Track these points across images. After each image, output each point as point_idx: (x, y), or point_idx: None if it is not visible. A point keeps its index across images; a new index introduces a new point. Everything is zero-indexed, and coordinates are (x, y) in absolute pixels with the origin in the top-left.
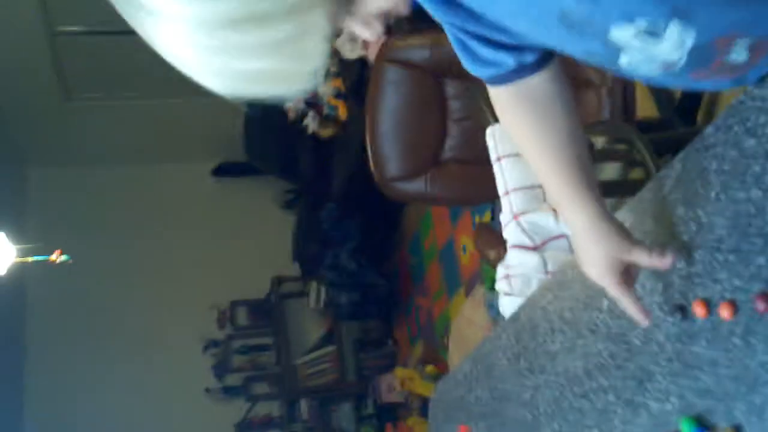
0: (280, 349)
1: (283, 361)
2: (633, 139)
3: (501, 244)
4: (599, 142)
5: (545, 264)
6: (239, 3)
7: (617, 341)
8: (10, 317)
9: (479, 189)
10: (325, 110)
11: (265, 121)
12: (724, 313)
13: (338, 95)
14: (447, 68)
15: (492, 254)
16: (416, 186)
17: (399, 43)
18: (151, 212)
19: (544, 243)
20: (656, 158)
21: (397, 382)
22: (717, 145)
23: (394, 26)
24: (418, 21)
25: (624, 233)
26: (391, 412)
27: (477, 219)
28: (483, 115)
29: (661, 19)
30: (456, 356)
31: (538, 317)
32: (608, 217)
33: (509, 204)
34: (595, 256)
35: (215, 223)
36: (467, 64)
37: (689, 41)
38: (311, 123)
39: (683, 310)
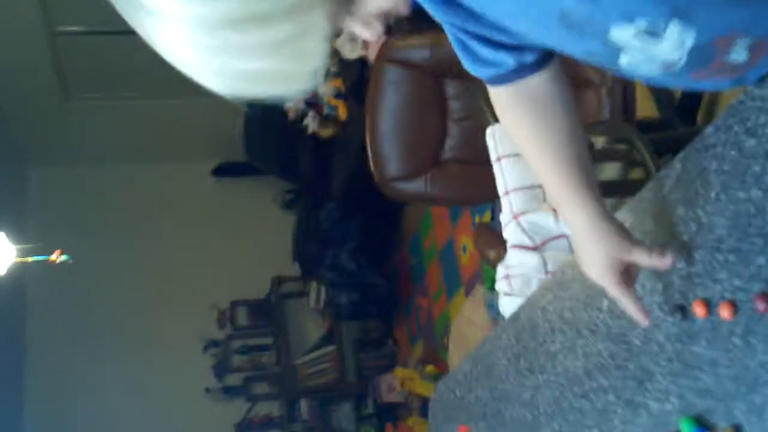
0: (280, 349)
1: (283, 361)
2: (633, 139)
3: (501, 244)
4: (599, 142)
5: (545, 264)
6: (239, 3)
7: (617, 341)
8: (10, 317)
9: (479, 189)
10: (325, 110)
11: (265, 121)
12: (724, 313)
13: (338, 95)
14: (447, 68)
15: (492, 254)
16: (416, 186)
17: (399, 43)
18: (151, 212)
19: (544, 243)
20: (656, 158)
21: (397, 382)
22: (717, 145)
23: (394, 26)
24: (418, 21)
25: (624, 233)
26: (391, 412)
27: (477, 219)
28: (483, 115)
29: (661, 19)
30: (456, 356)
31: (538, 317)
32: (608, 217)
33: (509, 204)
34: (595, 256)
35: (215, 223)
36: (467, 64)
37: (689, 41)
38: (311, 123)
39: (683, 310)
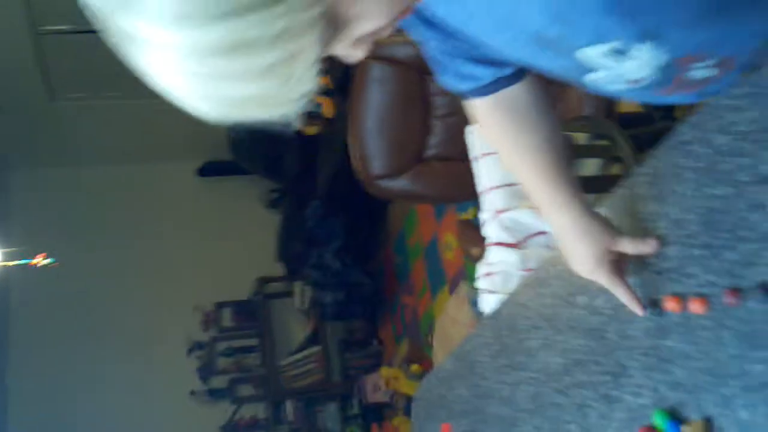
0: (265, 350)
1: (269, 363)
2: (614, 134)
3: (483, 242)
4: (580, 137)
5: (526, 261)
6: (227, 31)
7: (594, 337)
8: None
9: (463, 186)
10: (311, 107)
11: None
12: (696, 307)
13: (324, 92)
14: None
15: (475, 251)
16: (400, 184)
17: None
18: (137, 212)
19: (524, 240)
20: (637, 153)
21: (382, 382)
22: (690, 143)
23: None
24: None
25: (606, 226)
26: (376, 412)
27: (462, 216)
28: (466, 111)
29: (632, 41)
30: (440, 355)
31: (518, 314)
32: (590, 212)
33: (490, 201)
34: (581, 253)
35: (200, 223)
36: (446, 80)
37: (658, 61)
38: (296, 120)
39: (657, 305)
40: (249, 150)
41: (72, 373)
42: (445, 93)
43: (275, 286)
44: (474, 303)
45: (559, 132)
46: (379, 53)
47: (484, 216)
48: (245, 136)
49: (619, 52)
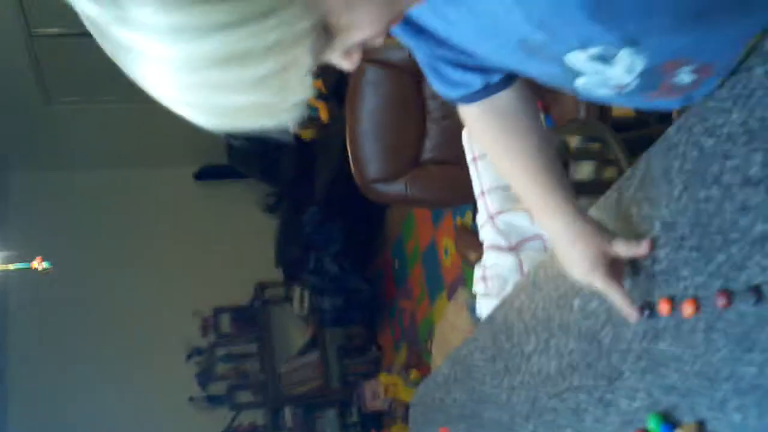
0: (264, 356)
1: (267, 369)
2: (607, 137)
3: (481, 246)
4: (574, 141)
5: (521, 265)
6: (221, 43)
7: (588, 340)
8: None
9: (459, 190)
10: (306, 112)
11: None
12: (687, 309)
13: (319, 96)
14: None
15: (472, 256)
16: (397, 188)
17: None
18: (133, 217)
19: (519, 243)
20: (630, 157)
21: (381, 389)
22: (679, 145)
23: None
24: None
25: (599, 230)
26: (375, 420)
27: (458, 221)
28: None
29: (613, 47)
30: (439, 361)
31: (513, 318)
32: (582, 216)
33: (485, 204)
34: (576, 258)
35: (198, 228)
36: (438, 87)
37: (639, 66)
38: (292, 125)
39: (650, 308)
40: (245, 154)
41: (70, 379)
42: (440, 96)
43: (274, 292)
44: (473, 309)
45: (549, 137)
46: (373, 57)
47: (480, 219)
48: (242, 140)
49: (602, 59)
